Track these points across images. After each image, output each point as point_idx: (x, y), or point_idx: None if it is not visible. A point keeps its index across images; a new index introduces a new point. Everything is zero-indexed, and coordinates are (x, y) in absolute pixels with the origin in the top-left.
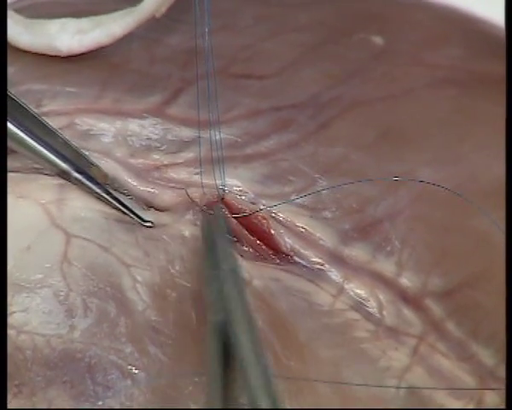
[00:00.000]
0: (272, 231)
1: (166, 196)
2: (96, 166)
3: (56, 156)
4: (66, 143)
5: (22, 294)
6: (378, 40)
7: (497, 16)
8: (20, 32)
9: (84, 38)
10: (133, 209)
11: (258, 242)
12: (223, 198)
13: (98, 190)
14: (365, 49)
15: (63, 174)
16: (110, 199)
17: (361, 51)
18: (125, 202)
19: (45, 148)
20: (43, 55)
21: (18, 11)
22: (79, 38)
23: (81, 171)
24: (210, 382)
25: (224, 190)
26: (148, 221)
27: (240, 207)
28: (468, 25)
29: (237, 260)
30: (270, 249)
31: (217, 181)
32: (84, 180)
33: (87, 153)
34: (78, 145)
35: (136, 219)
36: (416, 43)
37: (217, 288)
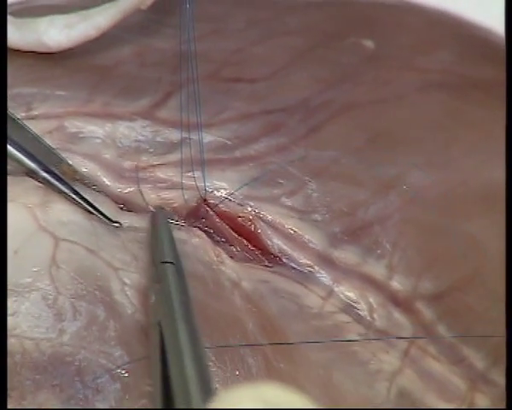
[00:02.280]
0: (259, 231)
1: (150, 198)
2: (66, 162)
3: (24, 155)
4: (35, 139)
5: (11, 298)
6: (369, 44)
7: (489, 20)
8: (12, 31)
9: (72, 31)
10: (108, 209)
11: (245, 242)
12: (205, 199)
13: (66, 190)
14: (356, 53)
15: (31, 173)
16: (77, 198)
17: (352, 55)
18: (92, 201)
19: (13, 146)
20: (34, 57)
21: (11, 14)
22: (67, 32)
23: (49, 170)
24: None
25: (205, 192)
26: (116, 221)
27: (224, 209)
28: (458, 29)
29: (178, 254)
30: (258, 250)
31: (201, 183)
32: (52, 180)
33: (73, 155)
34: (66, 148)
35: (102, 218)
36: (406, 47)
37: (158, 287)
